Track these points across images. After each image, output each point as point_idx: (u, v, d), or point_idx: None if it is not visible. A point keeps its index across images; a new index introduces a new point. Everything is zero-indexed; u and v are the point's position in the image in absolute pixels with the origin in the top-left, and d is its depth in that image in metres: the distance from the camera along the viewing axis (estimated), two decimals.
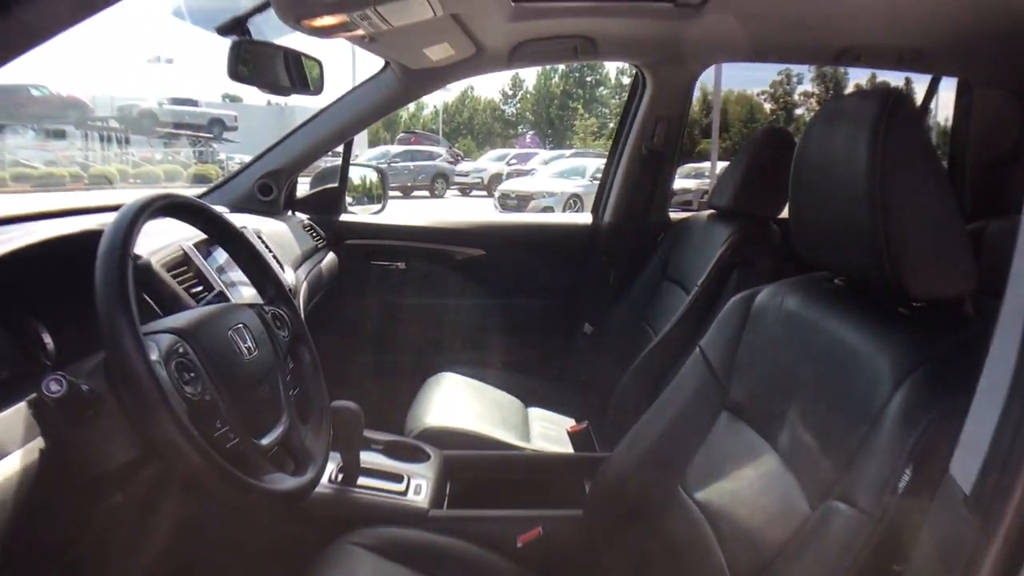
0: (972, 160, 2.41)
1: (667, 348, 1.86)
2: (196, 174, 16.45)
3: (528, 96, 37.89)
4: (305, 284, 1.97)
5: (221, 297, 1.30)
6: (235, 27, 1.53)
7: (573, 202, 13.13)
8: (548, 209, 12.81)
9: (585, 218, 2.60)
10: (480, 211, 13.18)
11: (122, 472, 0.90)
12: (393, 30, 1.61)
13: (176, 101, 21.15)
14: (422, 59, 2.01)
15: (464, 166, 20.17)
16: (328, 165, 2.55)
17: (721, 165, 15.42)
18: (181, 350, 0.92)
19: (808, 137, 1.02)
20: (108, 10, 0.73)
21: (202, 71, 29.10)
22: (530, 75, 39.00)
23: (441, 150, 20.57)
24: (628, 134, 2.45)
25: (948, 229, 0.86)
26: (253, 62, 1.55)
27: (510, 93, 37.87)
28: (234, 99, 26.62)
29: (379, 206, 2.62)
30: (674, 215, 2.52)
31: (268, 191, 2.24)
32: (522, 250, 2.52)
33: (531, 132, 33.31)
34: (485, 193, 17.09)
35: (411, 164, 17.83)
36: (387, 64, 2.15)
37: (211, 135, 20.29)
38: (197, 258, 1.41)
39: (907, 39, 2.06)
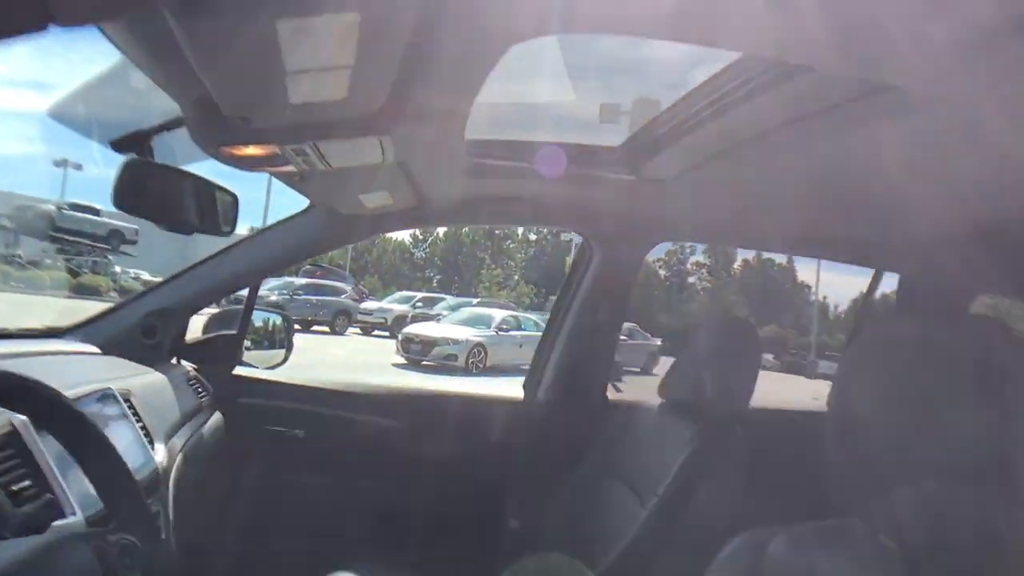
0: None
1: (625, 569, 1.54)
2: (84, 284, 15.59)
3: (438, 242, 38.68)
4: (180, 456, 1.57)
5: (51, 507, 0.91)
6: (135, 144, 1.23)
7: (477, 351, 12.98)
8: (451, 356, 12.59)
9: (515, 393, 2.33)
10: (378, 351, 12.84)
11: None
12: (329, 171, 1.38)
13: (76, 207, 20.13)
14: (356, 205, 1.78)
15: (369, 304, 19.84)
16: (228, 308, 2.20)
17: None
18: None
19: (859, 368, 0.82)
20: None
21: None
22: None
23: (347, 287, 20.21)
24: (570, 305, 2.26)
25: None
26: (149, 188, 1.23)
27: (420, 237, 38.59)
28: None
29: (281, 357, 2.25)
30: (614, 398, 2.29)
31: (152, 332, 1.88)
32: (441, 425, 2.18)
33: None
34: (388, 334, 16.69)
35: (314, 298, 17.37)
36: (312, 205, 1.91)
37: (108, 247, 19.32)
38: (31, 438, 1.01)
39: (861, 232, 2.03)
